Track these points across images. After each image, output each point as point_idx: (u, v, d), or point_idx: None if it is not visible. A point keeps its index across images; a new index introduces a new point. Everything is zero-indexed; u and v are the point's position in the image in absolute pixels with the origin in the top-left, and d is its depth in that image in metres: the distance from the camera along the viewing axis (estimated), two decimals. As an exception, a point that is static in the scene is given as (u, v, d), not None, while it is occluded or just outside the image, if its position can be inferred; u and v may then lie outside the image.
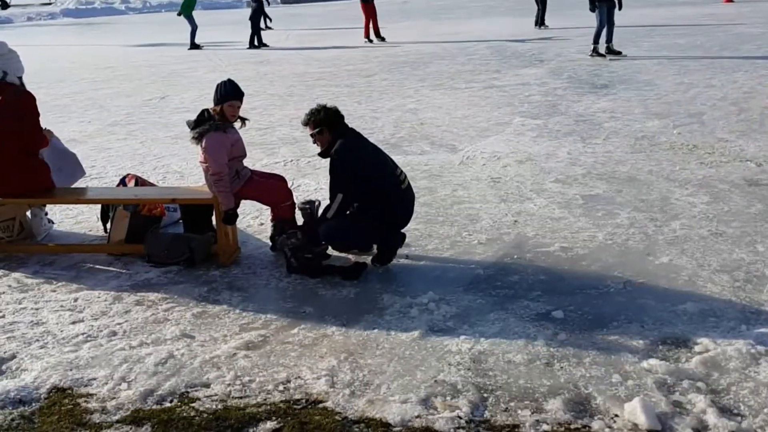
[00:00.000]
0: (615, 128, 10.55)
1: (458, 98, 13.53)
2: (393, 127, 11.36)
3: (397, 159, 6.27)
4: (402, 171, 6.15)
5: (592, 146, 9.63)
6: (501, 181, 8.28)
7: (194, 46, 25.52)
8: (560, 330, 4.86)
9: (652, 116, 11.19)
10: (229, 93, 6.23)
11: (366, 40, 24.76)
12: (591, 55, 17.47)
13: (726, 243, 6.24)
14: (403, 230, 6.22)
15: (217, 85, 6.26)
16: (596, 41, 17.42)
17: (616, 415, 3.93)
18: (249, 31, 25.38)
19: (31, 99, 6.63)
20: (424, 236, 6.67)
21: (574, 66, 16.64)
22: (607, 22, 17.09)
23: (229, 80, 6.33)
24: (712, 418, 3.85)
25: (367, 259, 6.17)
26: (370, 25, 24.79)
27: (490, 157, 9.33)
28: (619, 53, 17.35)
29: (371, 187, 5.89)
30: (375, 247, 6.17)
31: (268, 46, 25.29)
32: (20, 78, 6.69)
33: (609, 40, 17.38)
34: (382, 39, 24.80)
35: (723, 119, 10.75)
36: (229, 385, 4.42)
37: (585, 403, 4.07)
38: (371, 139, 6.25)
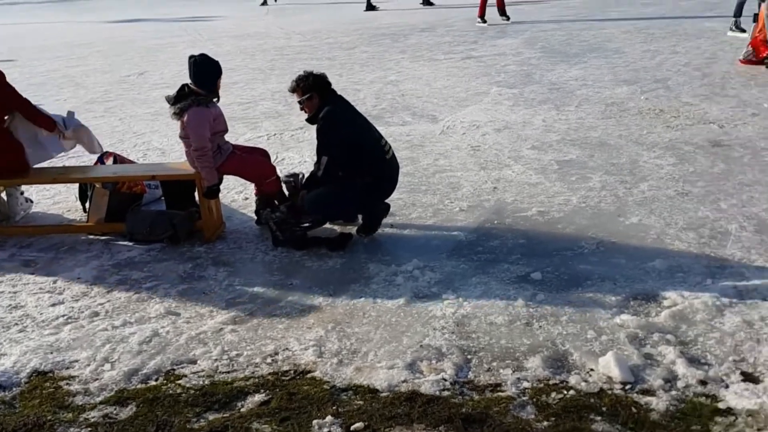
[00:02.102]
0: (586, 95, 10.73)
1: (438, 69, 13.58)
2: (374, 99, 11.40)
3: (380, 130, 6.32)
4: (387, 141, 6.17)
5: (566, 113, 9.80)
6: (480, 149, 8.42)
7: (370, 7, 25.11)
8: (539, 291, 5.03)
9: (621, 83, 11.39)
10: (220, 67, 6.24)
11: (479, 20, 18.97)
12: None
13: (692, 202, 6.48)
14: (387, 200, 6.29)
15: (201, 63, 6.13)
16: None
17: (592, 369, 4.09)
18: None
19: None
20: (408, 205, 6.79)
21: (546, 36, 16.70)
22: None
23: (206, 55, 6.22)
24: (681, 368, 4.04)
25: (353, 229, 6.26)
26: (488, 1, 18.79)
27: (470, 126, 9.45)
28: None
29: (357, 155, 5.89)
30: (360, 217, 6.26)
31: (433, 4, 24.94)
32: None
33: None
34: (507, 18, 19.05)
35: (687, 84, 11.00)
36: (216, 360, 4.44)
37: (562, 359, 4.23)
38: (355, 110, 6.30)
